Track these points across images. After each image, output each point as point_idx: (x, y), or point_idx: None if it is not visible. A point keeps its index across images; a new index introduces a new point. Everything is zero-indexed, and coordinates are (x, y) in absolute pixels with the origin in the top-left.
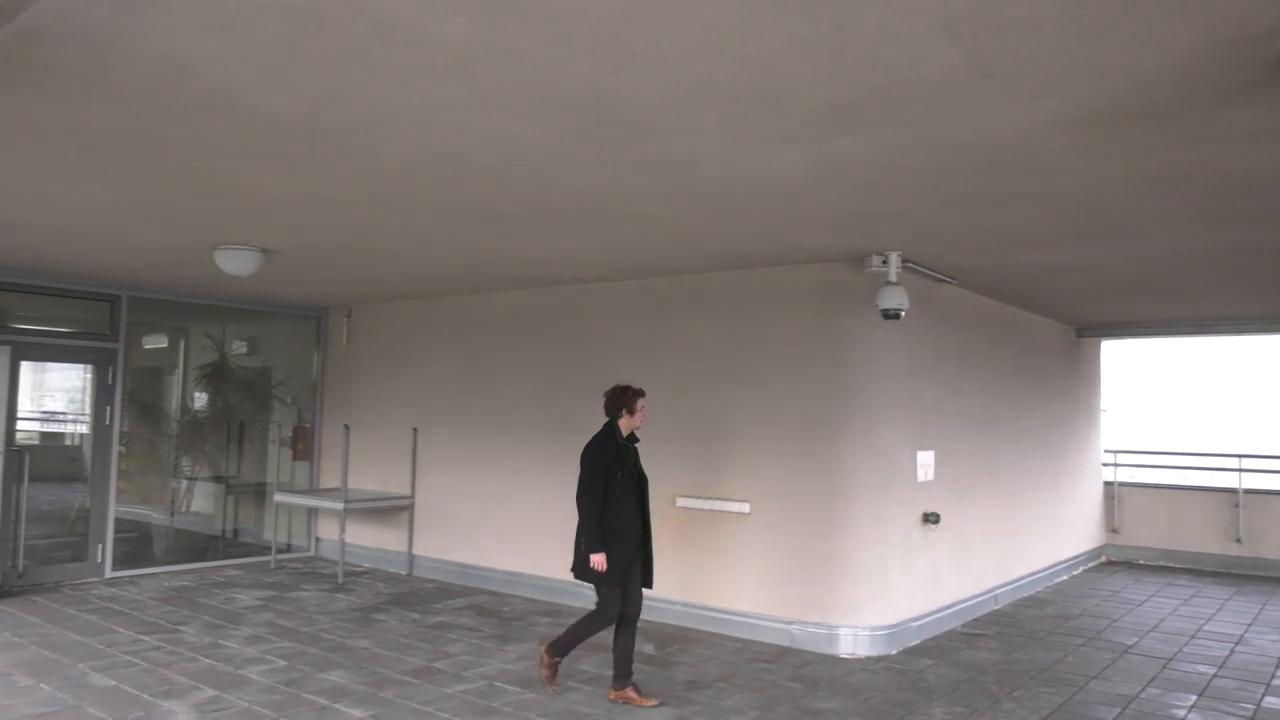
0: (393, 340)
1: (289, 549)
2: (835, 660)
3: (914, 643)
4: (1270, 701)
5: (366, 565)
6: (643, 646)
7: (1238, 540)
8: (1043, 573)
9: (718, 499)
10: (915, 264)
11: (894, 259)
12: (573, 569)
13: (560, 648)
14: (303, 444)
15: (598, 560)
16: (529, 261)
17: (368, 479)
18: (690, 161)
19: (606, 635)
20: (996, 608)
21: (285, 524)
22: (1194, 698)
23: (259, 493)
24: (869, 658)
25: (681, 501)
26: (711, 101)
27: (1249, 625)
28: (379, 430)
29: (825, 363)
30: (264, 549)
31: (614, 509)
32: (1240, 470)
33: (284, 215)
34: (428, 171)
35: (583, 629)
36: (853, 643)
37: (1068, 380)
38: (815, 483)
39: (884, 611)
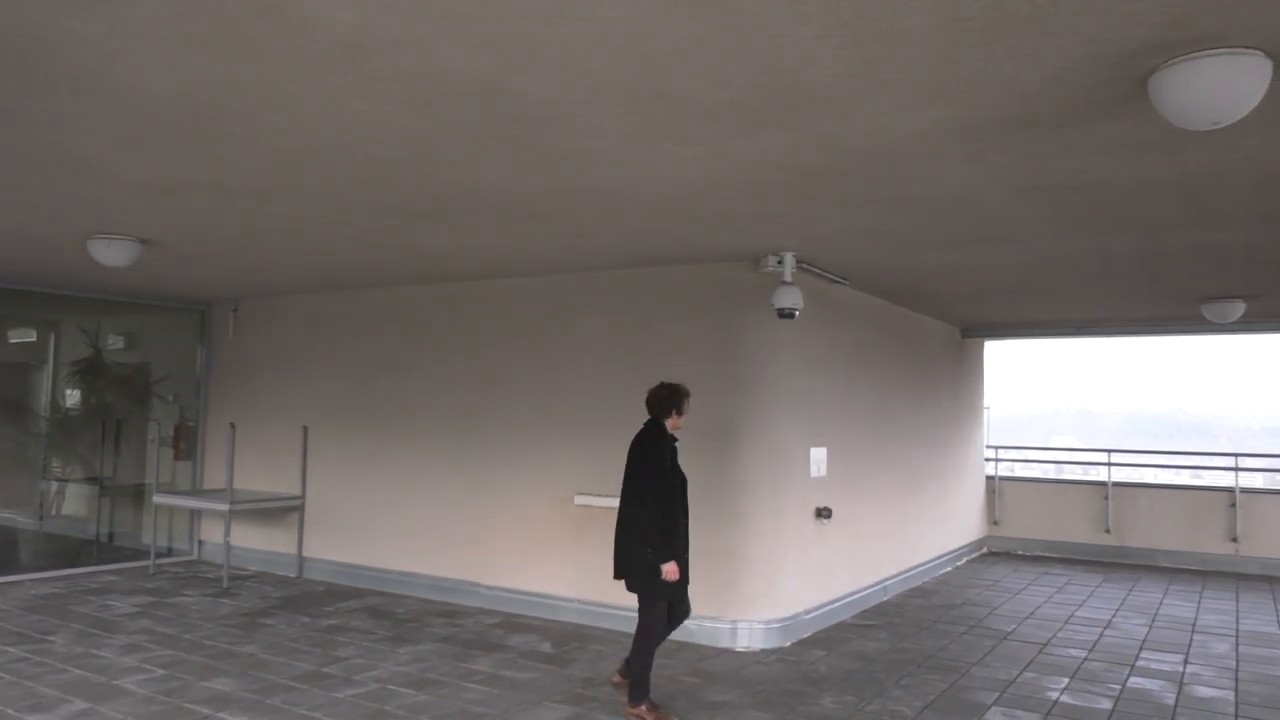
0: (282, 335)
1: (169, 553)
2: (731, 654)
3: (807, 634)
4: (1134, 681)
5: (254, 568)
6: (539, 645)
7: (1107, 530)
8: (929, 564)
9: (614, 496)
10: (809, 265)
11: (789, 259)
12: (624, 579)
13: (641, 693)
14: (185, 443)
15: (670, 570)
16: (425, 256)
17: (255, 479)
18: (588, 159)
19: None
20: (886, 599)
21: (166, 527)
22: (1066, 680)
23: (137, 494)
24: (764, 650)
25: (580, 499)
26: (609, 99)
27: (1116, 610)
28: (267, 428)
29: (723, 361)
30: (142, 553)
31: (671, 515)
32: (1110, 465)
33: (163, 204)
34: (317, 162)
35: (644, 660)
36: (748, 636)
37: (953, 379)
38: (713, 479)
39: (778, 605)
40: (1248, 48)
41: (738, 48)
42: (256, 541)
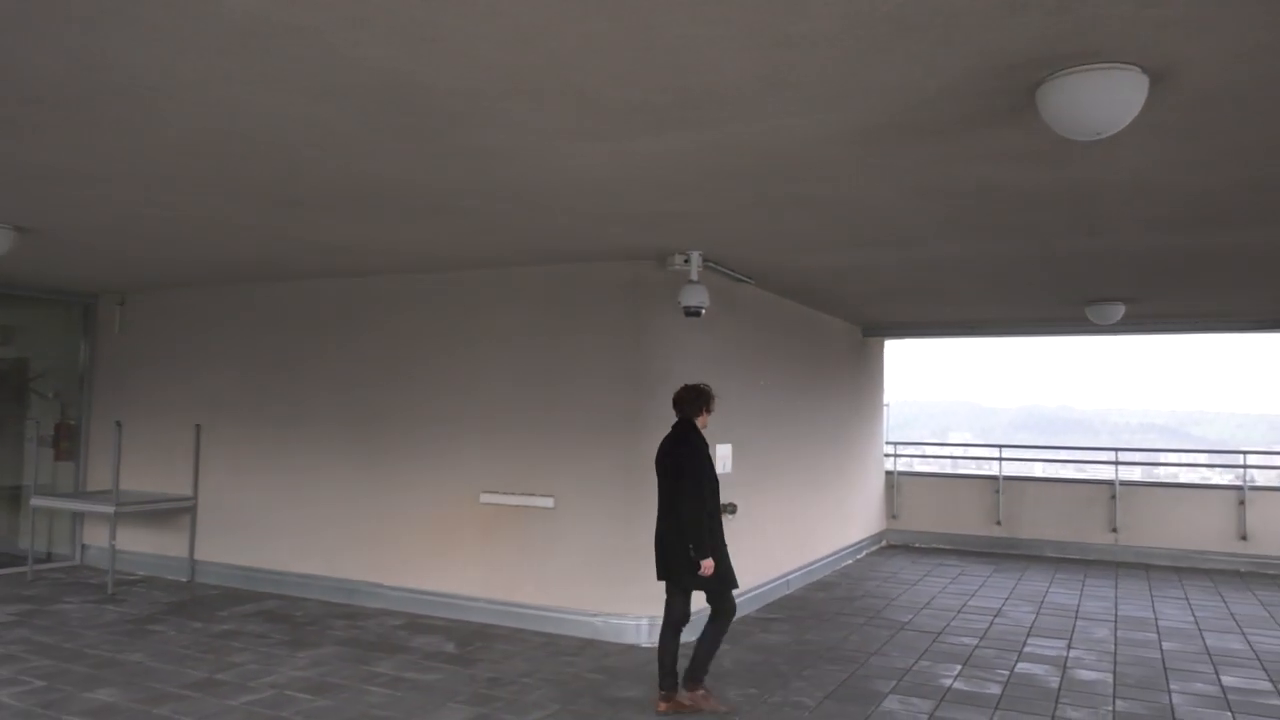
0: (174, 330)
1: (49, 558)
2: (638, 650)
3: None
4: (1022, 666)
5: (142, 573)
6: (443, 646)
7: (998, 523)
8: (831, 557)
9: (523, 494)
10: (716, 263)
11: (695, 258)
12: (670, 576)
13: (698, 675)
14: (66, 442)
15: (709, 566)
16: (326, 249)
17: (144, 479)
18: (496, 154)
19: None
20: (789, 592)
21: (45, 531)
22: (959, 667)
23: (13, 497)
24: None
25: (486, 497)
26: (517, 94)
27: (1006, 599)
28: (157, 427)
29: (630, 358)
30: (19, 559)
31: (714, 512)
32: (1001, 460)
33: (41, 190)
34: (211, 150)
35: (713, 642)
36: (653, 632)
37: (855, 377)
38: (620, 476)
39: None
40: (1126, 63)
41: (645, 47)
42: (145, 545)
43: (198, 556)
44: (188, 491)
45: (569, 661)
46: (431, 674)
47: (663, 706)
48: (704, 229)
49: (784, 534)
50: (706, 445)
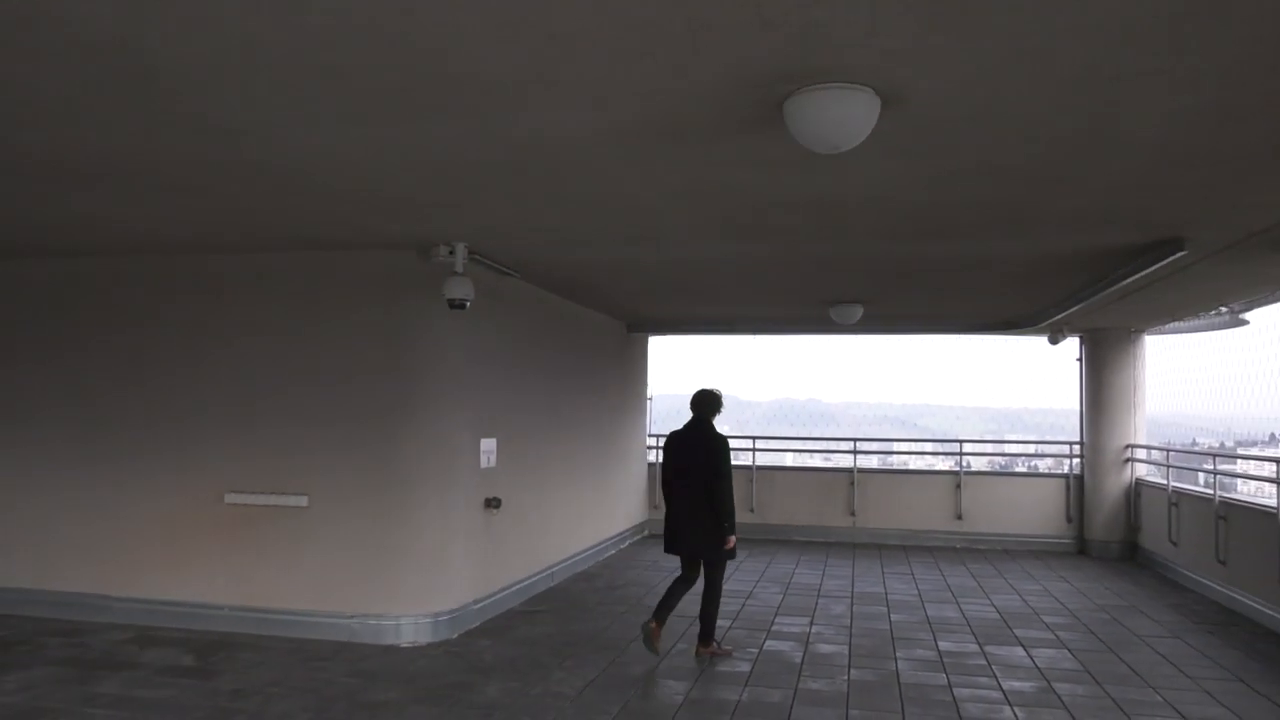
0: None
1: None
2: (396, 650)
3: (475, 625)
4: (770, 644)
5: None
6: (179, 659)
7: (751, 510)
8: (595, 548)
9: (273, 493)
10: (481, 256)
11: (460, 250)
12: (698, 549)
13: (709, 633)
14: None
15: (733, 541)
16: (43, 227)
17: None
18: (239, 130)
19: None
20: (553, 584)
21: None
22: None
23: None
24: (430, 644)
25: (232, 497)
26: (262, 68)
27: (757, 581)
28: None
29: (391, 351)
30: None
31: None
32: (755, 450)
33: None
34: None
35: (714, 606)
36: (414, 631)
37: (619, 372)
38: (379, 472)
39: (446, 597)
40: (862, 84)
41: (403, 31)
42: None
43: None
44: None
45: (322, 667)
46: (165, 690)
47: (655, 627)
48: (468, 220)
49: (548, 527)
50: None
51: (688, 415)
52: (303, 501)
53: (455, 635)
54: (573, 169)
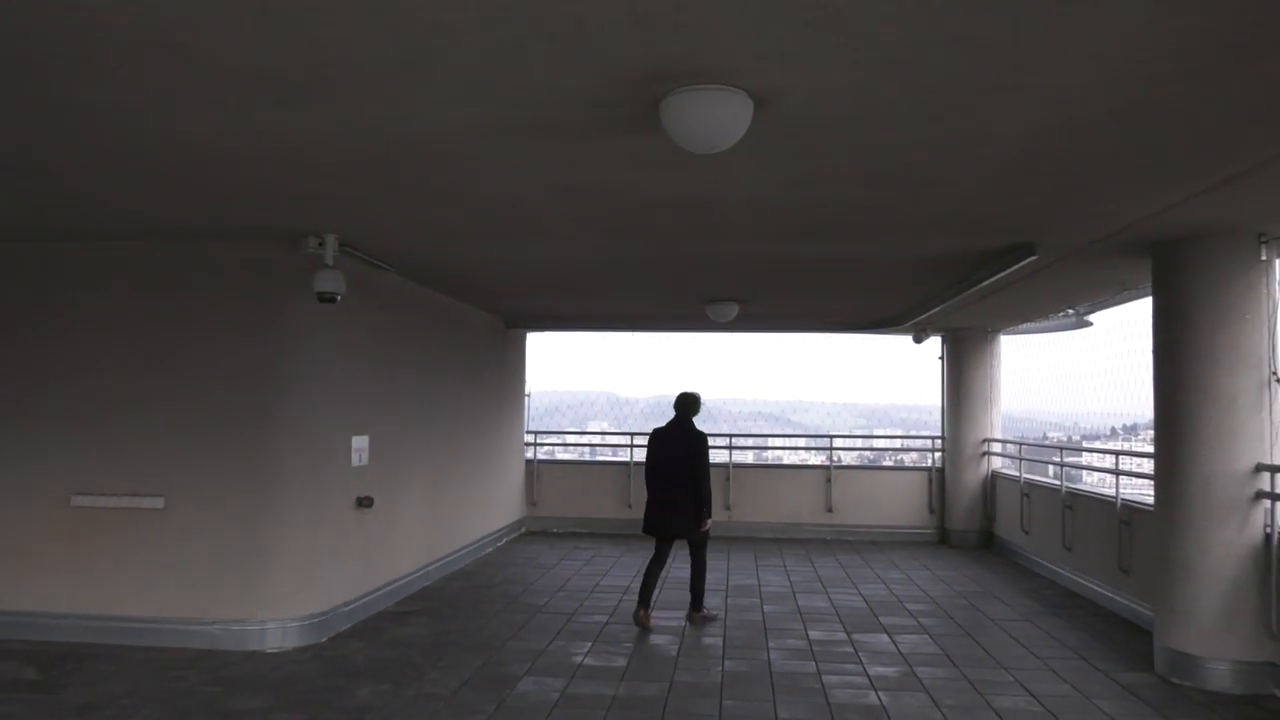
0: None
1: None
2: (261, 656)
3: (345, 627)
4: (646, 638)
5: None
6: (20, 673)
7: (629, 505)
8: (471, 546)
9: (127, 495)
10: (353, 248)
11: (331, 241)
12: (685, 529)
13: (699, 602)
14: None
15: (709, 524)
16: None
17: None
18: (86, 108)
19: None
20: (428, 583)
21: None
22: (590, 644)
23: None
24: (298, 649)
25: (79, 500)
26: (107, 45)
27: (634, 577)
28: None
29: (257, 345)
30: None
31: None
32: (632, 446)
33: None
34: None
35: (701, 579)
36: (280, 636)
37: (497, 368)
38: (242, 472)
39: (314, 600)
40: (734, 87)
41: (265, 9)
42: None
43: None
44: None
45: (180, 676)
46: (2, 706)
47: (644, 614)
48: (341, 212)
49: (422, 526)
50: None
51: (565, 413)
52: (159, 503)
53: (324, 639)
54: (449, 163)
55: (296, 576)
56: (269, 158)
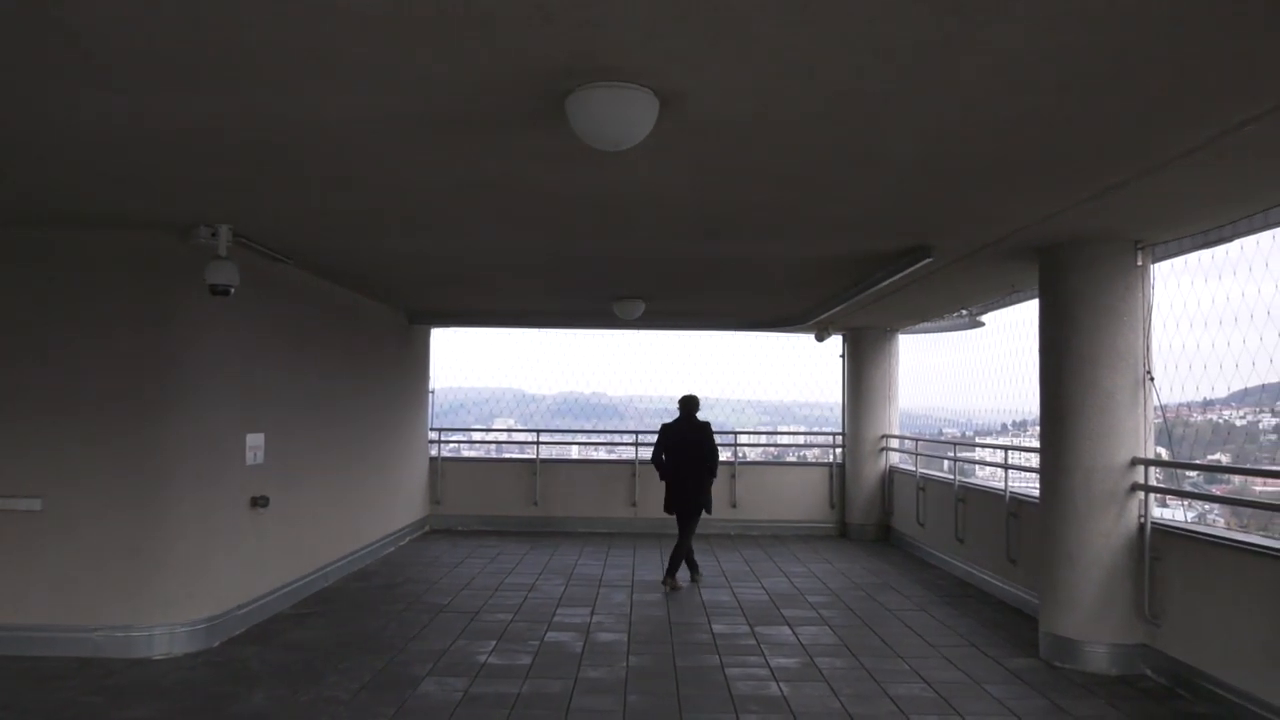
0: None
1: None
2: (148, 663)
3: (239, 631)
4: (551, 635)
5: None
6: None
7: (535, 503)
8: (372, 546)
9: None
10: (249, 239)
11: (224, 232)
12: (692, 509)
13: (673, 571)
14: None
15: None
16: None
17: None
18: None
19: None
20: (327, 584)
21: None
22: (494, 642)
23: None
24: (188, 655)
25: None
26: None
27: (539, 574)
28: None
29: (145, 339)
30: None
31: None
32: (539, 443)
33: None
34: None
35: (680, 554)
36: (168, 642)
37: (399, 364)
38: (129, 472)
39: (205, 604)
40: (640, 85)
41: None
42: None
43: None
44: None
45: (60, 687)
46: None
47: (672, 583)
48: (235, 202)
49: (321, 525)
50: None
51: (471, 410)
52: (36, 505)
53: (216, 644)
54: (350, 154)
55: (186, 579)
56: (159, 143)
